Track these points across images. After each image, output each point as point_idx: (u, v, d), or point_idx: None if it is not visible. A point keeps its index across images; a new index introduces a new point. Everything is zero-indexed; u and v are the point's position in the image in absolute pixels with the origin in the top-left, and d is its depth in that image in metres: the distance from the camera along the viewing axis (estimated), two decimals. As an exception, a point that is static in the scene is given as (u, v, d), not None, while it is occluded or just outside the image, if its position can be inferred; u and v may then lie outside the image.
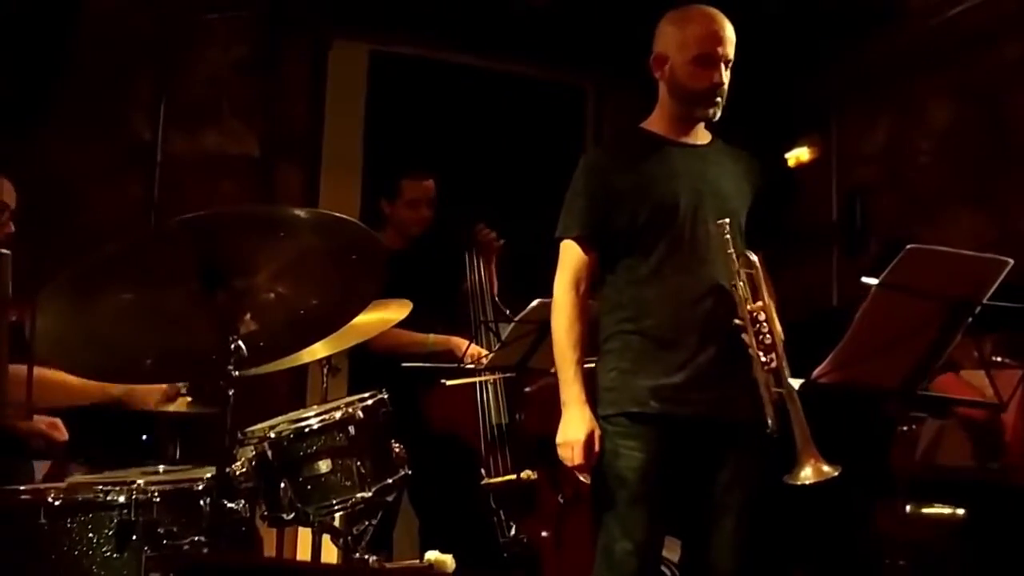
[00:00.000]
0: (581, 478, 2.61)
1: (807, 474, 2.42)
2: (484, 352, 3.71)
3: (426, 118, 5.39)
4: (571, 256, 2.65)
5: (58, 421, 2.89)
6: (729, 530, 2.59)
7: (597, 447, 2.57)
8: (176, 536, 2.31)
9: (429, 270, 4.01)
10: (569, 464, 2.58)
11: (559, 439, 2.59)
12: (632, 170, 2.66)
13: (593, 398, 2.67)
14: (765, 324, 2.52)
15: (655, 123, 2.75)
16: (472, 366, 3.67)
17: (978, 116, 4.76)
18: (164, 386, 2.87)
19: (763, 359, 2.51)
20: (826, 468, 2.42)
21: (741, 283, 2.55)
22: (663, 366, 2.58)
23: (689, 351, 2.57)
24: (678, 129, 2.71)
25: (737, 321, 2.55)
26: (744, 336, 2.54)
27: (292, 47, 5.17)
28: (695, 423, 2.58)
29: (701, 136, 2.74)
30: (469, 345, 3.69)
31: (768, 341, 2.51)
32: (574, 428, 2.57)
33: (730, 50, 2.65)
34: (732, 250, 2.56)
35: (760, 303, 2.54)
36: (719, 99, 2.65)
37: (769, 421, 2.49)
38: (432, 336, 3.89)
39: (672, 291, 2.61)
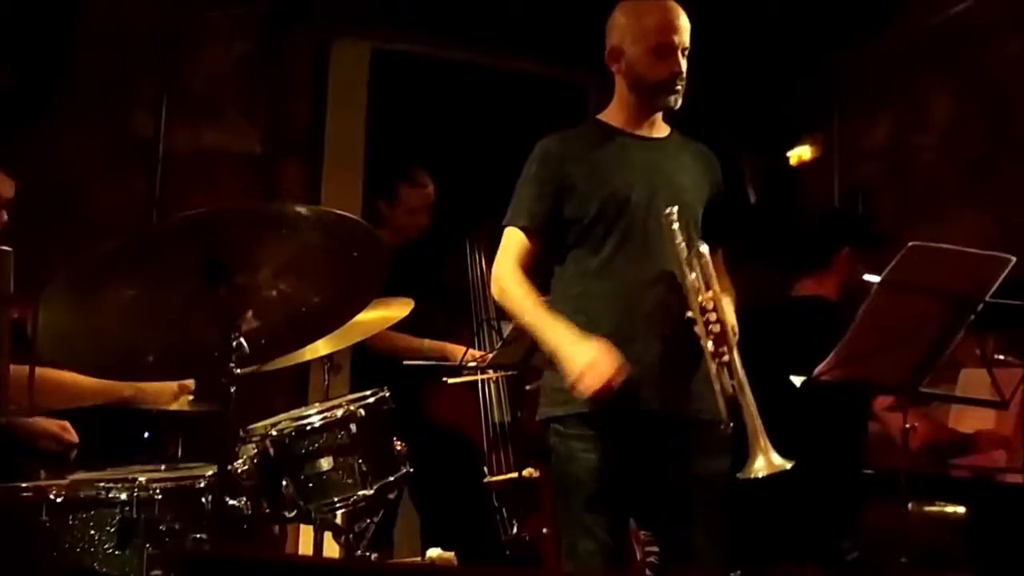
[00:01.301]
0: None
1: (759, 466, 2.36)
2: (481, 354, 3.71)
3: (428, 115, 5.39)
4: (513, 242, 2.61)
5: (67, 424, 2.90)
6: (703, 526, 2.55)
7: (612, 352, 2.44)
8: (178, 533, 2.33)
9: (428, 267, 4.01)
10: (599, 385, 2.41)
11: (572, 378, 2.43)
12: (586, 160, 2.62)
13: (540, 397, 2.65)
14: (714, 314, 2.46)
15: (612, 115, 2.71)
16: (473, 364, 3.67)
17: (980, 113, 4.76)
18: (175, 385, 2.86)
19: (713, 350, 2.45)
20: (777, 461, 2.36)
21: (693, 274, 2.50)
22: None
23: (641, 346, 2.52)
24: (636, 121, 2.68)
25: (688, 313, 2.50)
26: (695, 328, 2.49)
27: (294, 44, 5.17)
28: (649, 419, 2.53)
29: (659, 129, 2.71)
30: (466, 352, 3.67)
31: (717, 331, 2.46)
32: (580, 354, 2.44)
33: (686, 38, 2.61)
34: (680, 240, 2.51)
35: (711, 293, 2.48)
36: (679, 87, 2.61)
37: (722, 413, 2.43)
38: (427, 342, 3.87)
39: (623, 284, 2.56)
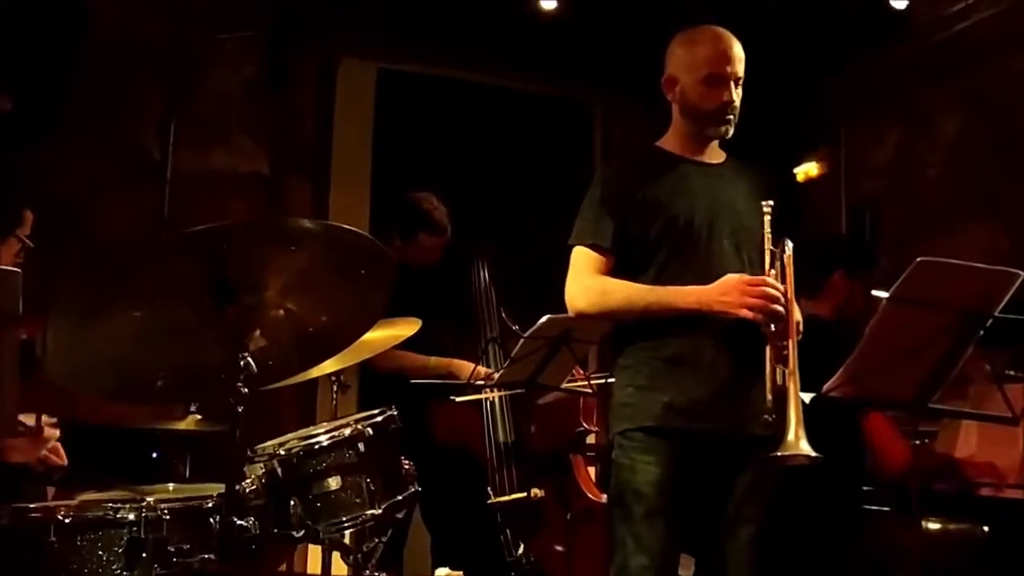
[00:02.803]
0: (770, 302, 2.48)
1: (804, 447, 2.39)
2: (488, 372, 3.71)
3: (434, 135, 5.41)
4: (585, 258, 2.65)
5: (58, 446, 2.89)
6: (743, 545, 2.58)
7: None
8: (186, 554, 2.32)
9: (435, 285, 4.00)
10: (744, 300, 2.48)
11: (722, 307, 2.50)
12: (648, 185, 2.66)
13: (609, 414, 2.67)
14: (784, 308, 2.52)
15: (669, 142, 2.77)
16: (480, 382, 3.67)
17: (986, 128, 4.76)
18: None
19: (773, 339, 2.50)
20: (806, 448, 2.40)
21: (773, 271, 2.56)
22: (679, 382, 2.58)
23: (705, 367, 2.57)
24: (692, 148, 2.74)
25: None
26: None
27: (301, 65, 5.20)
28: (712, 439, 2.57)
29: (715, 155, 2.76)
30: (475, 368, 3.67)
31: (781, 324, 2.50)
32: (719, 288, 2.51)
33: (739, 68, 2.67)
34: (768, 231, 2.58)
35: (785, 287, 2.54)
36: (731, 117, 2.67)
37: (767, 402, 2.47)
38: (433, 359, 3.86)
39: None
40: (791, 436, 2.41)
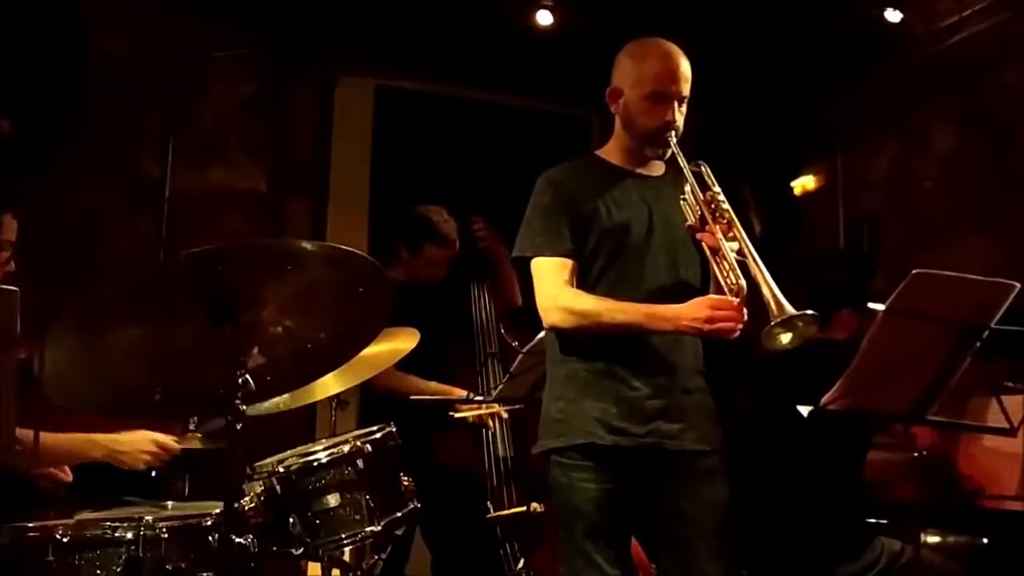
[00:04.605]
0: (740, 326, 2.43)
1: (789, 309, 2.29)
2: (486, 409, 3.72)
3: (433, 152, 5.42)
4: (551, 268, 2.59)
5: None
6: (703, 561, 2.53)
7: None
8: (185, 572, 2.32)
9: (435, 303, 4.01)
10: (737, 320, 2.41)
11: (703, 327, 2.43)
12: (589, 195, 2.64)
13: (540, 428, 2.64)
14: (718, 206, 2.47)
15: (610, 152, 2.75)
16: (480, 397, 3.67)
17: (983, 142, 4.77)
18: (151, 445, 2.79)
19: (724, 235, 2.44)
20: (790, 309, 2.30)
21: (689, 187, 2.52)
22: (610, 395, 2.54)
23: (637, 380, 2.54)
24: (633, 160, 2.71)
25: (688, 222, 2.52)
26: (698, 236, 2.49)
27: (299, 83, 5.22)
28: (646, 452, 2.54)
29: (655, 167, 2.74)
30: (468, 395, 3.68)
31: (726, 219, 2.46)
32: (693, 308, 2.45)
33: (685, 88, 2.62)
34: (683, 161, 2.54)
35: (714, 190, 2.49)
36: (670, 138, 2.61)
37: (733, 290, 2.39)
38: (434, 384, 3.85)
39: None
40: (773, 308, 2.30)
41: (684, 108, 2.64)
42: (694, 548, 2.54)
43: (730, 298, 2.41)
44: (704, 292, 2.56)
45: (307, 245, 2.41)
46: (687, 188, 2.55)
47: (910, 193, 5.10)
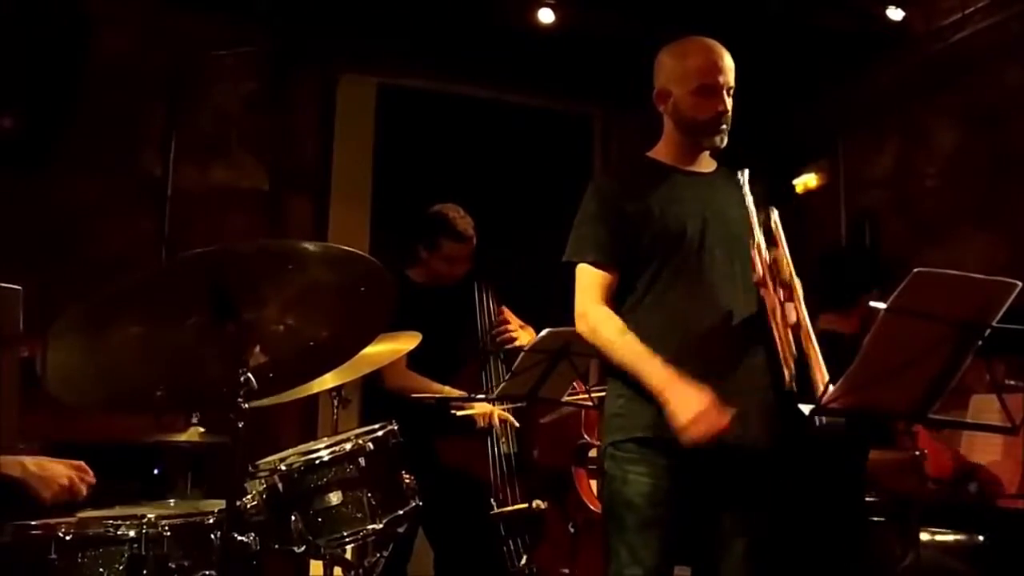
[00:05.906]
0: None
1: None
2: (499, 412, 3.73)
3: (434, 150, 5.43)
4: (591, 277, 2.63)
5: (82, 464, 2.80)
6: (738, 558, 2.56)
7: (717, 400, 2.45)
8: (187, 570, 2.32)
9: (439, 303, 4.00)
10: (710, 434, 2.42)
11: (680, 423, 2.43)
12: (640, 197, 2.66)
13: (601, 425, 2.66)
14: (779, 268, 2.54)
15: (661, 152, 2.77)
16: (482, 396, 3.67)
17: (984, 139, 4.77)
18: (68, 472, 2.59)
19: (781, 304, 2.50)
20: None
21: (760, 235, 2.57)
22: None
23: (695, 377, 2.53)
24: (684, 158, 2.74)
25: (755, 275, 2.56)
26: (761, 291, 2.54)
27: (301, 81, 5.23)
28: (703, 449, 2.54)
29: (706, 164, 2.77)
30: (487, 413, 3.69)
31: (786, 285, 2.52)
32: (690, 401, 2.44)
33: (730, 77, 2.68)
34: (750, 200, 2.59)
35: (778, 250, 2.56)
36: (724, 127, 2.67)
37: (787, 375, 2.46)
38: (447, 388, 3.81)
39: (677, 318, 2.60)
40: (820, 387, 2.38)
41: (731, 98, 2.68)
42: (732, 546, 2.57)
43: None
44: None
45: (309, 245, 2.41)
46: (756, 237, 2.58)
47: (912, 190, 5.10)
